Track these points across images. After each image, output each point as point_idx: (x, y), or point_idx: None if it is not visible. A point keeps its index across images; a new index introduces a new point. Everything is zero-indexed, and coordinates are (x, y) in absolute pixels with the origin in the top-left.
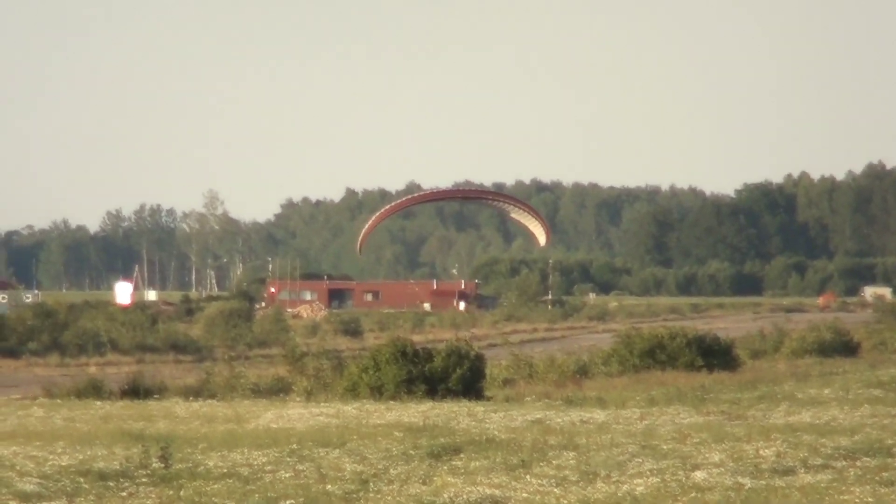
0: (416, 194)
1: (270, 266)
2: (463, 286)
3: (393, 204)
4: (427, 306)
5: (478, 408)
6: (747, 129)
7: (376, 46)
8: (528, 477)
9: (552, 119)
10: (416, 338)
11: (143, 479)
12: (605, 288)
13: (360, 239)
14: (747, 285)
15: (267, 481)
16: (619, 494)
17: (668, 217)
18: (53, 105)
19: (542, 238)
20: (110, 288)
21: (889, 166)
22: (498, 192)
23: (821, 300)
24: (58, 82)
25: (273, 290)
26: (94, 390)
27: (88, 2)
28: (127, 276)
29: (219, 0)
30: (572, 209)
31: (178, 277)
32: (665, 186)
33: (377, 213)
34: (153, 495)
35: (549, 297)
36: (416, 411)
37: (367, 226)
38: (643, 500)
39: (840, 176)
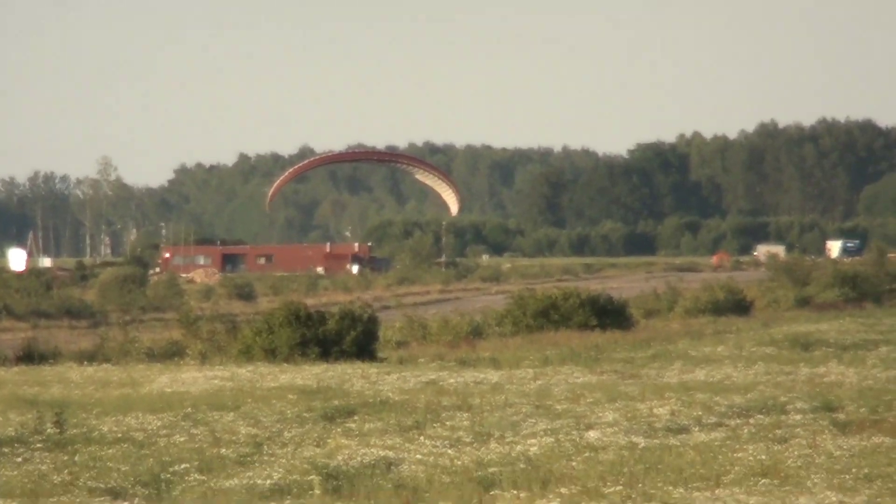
0: (332, 153)
1: (164, 231)
2: (356, 249)
3: (307, 161)
4: (320, 270)
5: (371, 370)
6: (639, 89)
7: (266, 8)
8: (421, 438)
9: (444, 80)
10: (310, 301)
11: (38, 445)
12: (498, 249)
13: (270, 192)
14: (640, 245)
15: (161, 445)
16: (513, 455)
17: (560, 178)
18: None
19: (454, 207)
20: (4, 255)
21: (781, 125)
22: (412, 157)
23: (714, 259)
24: None
25: (167, 255)
26: None
27: None
28: (21, 242)
29: None
30: (465, 171)
31: (72, 244)
32: (558, 147)
33: (291, 169)
34: (48, 461)
35: (443, 258)
36: (310, 374)
37: (278, 181)
38: (537, 460)
39: (732, 135)
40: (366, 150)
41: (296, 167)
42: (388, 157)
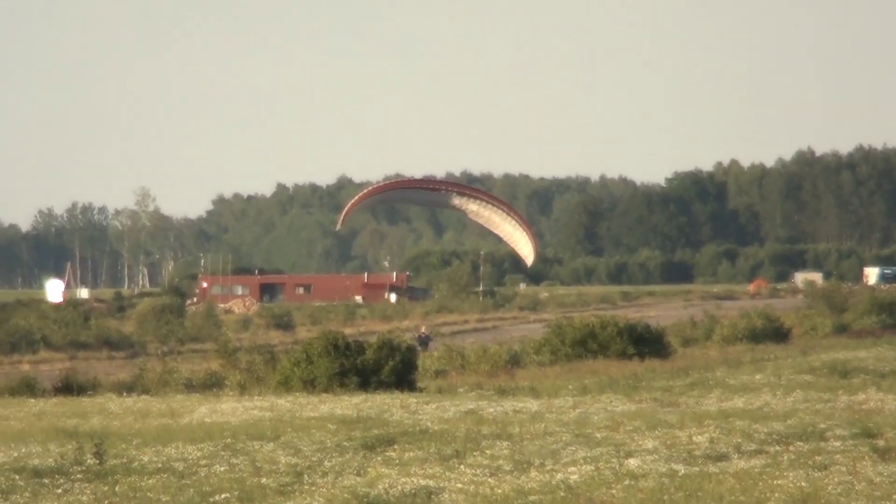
0: (406, 178)
1: (202, 262)
2: (394, 278)
3: (380, 184)
4: (359, 299)
5: (410, 399)
6: (677, 118)
7: (301, 40)
8: (461, 467)
9: (482, 110)
10: (348, 330)
11: (78, 476)
12: (536, 278)
13: (343, 213)
14: (678, 273)
15: (202, 475)
16: (553, 483)
17: (598, 207)
18: None
19: (529, 258)
20: (42, 286)
21: (818, 153)
22: (492, 196)
23: (751, 287)
24: None
25: (205, 285)
26: (28, 388)
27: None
28: (59, 274)
29: None
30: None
31: (110, 275)
32: (595, 177)
33: (363, 191)
34: (88, 491)
35: (481, 287)
36: (349, 404)
37: (351, 202)
38: (577, 488)
39: (770, 163)
40: (444, 181)
41: (371, 188)
42: (469, 192)
